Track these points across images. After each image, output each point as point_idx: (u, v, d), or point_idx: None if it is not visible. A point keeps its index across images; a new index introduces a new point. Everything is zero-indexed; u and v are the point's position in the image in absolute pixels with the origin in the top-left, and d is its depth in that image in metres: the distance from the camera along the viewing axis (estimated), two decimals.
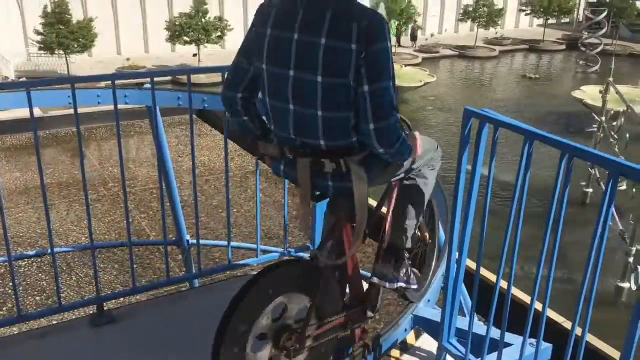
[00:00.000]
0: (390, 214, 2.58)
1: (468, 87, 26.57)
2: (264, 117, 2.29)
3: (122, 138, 3.08)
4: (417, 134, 2.21)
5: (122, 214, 12.55)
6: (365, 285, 2.60)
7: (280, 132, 2.18)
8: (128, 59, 23.93)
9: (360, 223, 2.17)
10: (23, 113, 2.82)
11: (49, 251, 3.08)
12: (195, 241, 3.78)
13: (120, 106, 3.02)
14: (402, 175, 2.37)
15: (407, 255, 2.58)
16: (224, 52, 27.54)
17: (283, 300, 2.19)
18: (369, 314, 2.55)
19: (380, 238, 2.55)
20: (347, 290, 2.50)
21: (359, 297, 2.53)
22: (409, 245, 2.57)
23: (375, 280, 2.55)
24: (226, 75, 2.27)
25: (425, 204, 2.56)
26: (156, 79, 3.36)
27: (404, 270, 2.56)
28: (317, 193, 2.25)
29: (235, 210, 12.78)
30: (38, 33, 20.80)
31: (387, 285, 2.53)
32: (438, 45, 31.85)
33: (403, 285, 2.57)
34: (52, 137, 16.51)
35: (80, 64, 23.55)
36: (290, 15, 2.01)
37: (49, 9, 21.15)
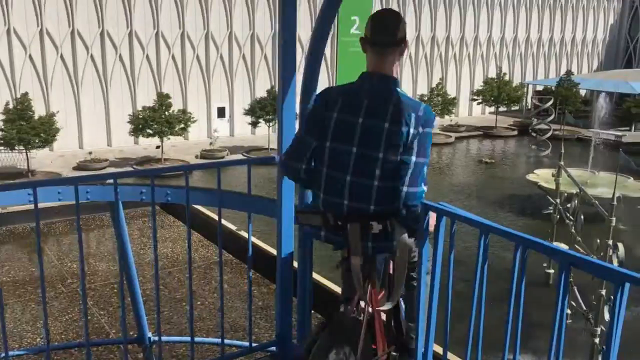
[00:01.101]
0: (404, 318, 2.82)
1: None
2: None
3: (82, 232, 3.06)
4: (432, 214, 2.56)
5: (81, 311, 12.09)
6: None
7: (331, 198, 2.56)
8: (90, 153, 23.87)
9: (401, 274, 2.47)
10: None
11: (2, 355, 2.96)
12: (157, 337, 3.68)
13: (81, 200, 3.02)
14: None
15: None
16: (187, 143, 27.80)
17: (334, 354, 2.45)
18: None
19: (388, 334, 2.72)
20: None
21: (386, 344, 2.74)
22: None
23: None
24: (289, 147, 2.70)
25: None
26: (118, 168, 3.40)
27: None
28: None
29: (199, 303, 12.46)
30: None
31: None
32: None
33: None
34: (8, 233, 16.08)
35: (41, 159, 23.36)
36: (356, 104, 2.52)
37: (11, 105, 21.18)
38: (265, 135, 27.07)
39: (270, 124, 26.54)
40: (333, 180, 2.53)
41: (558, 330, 1.64)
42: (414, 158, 2.41)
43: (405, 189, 2.37)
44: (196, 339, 3.73)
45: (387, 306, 2.56)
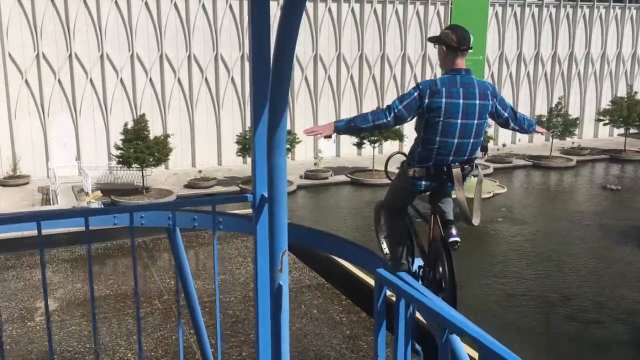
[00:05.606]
0: None
1: (543, 198, 25.42)
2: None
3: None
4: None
5: (172, 328, 12.29)
6: None
7: (441, 156, 3.78)
8: (200, 171, 24.79)
9: (479, 196, 3.86)
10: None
11: None
12: None
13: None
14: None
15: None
16: (293, 163, 28.06)
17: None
18: None
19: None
20: None
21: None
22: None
23: None
24: (397, 112, 3.88)
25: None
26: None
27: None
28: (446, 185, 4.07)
29: None
30: (117, 148, 22.06)
31: None
32: (511, 155, 31.13)
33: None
34: (117, 247, 16.90)
35: (156, 176, 24.60)
36: (455, 91, 3.70)
37: (129, 126, 22.52)
38: (370, 156, 26.67)
39: (375, 145, 26.13)
40: (445, 144, 3.72)
41: None
42: (506, 113, 3.95)
43: (512, 124, 4.07)
44: None
45: (476, 222, 3.76)
